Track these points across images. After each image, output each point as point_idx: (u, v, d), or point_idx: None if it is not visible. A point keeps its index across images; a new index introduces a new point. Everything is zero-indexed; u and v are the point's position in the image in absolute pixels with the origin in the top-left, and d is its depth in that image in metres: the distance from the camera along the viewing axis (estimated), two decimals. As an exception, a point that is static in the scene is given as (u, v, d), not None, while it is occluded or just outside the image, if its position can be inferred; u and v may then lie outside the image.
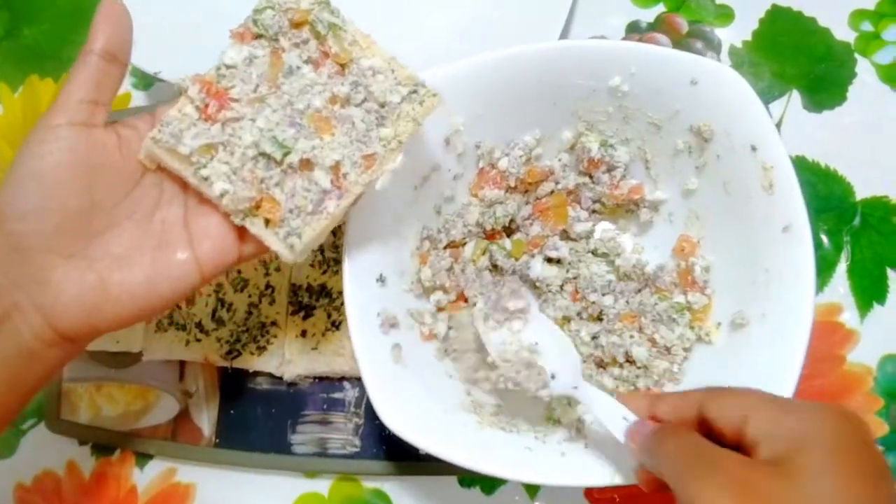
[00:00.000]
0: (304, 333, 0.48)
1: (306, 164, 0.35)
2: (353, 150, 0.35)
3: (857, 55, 0.51)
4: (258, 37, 0.36)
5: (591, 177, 0.45)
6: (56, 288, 0.31)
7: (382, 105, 0.36)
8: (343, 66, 0.36)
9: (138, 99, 0.58)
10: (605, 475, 0.36)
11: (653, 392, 0.40)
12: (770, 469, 0.25)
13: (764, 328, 0.38)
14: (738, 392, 0.30)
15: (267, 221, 0.34)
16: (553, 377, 0.37)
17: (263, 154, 0.34)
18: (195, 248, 0.34)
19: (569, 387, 0.37)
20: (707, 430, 0.29)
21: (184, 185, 0.35)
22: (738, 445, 0.28)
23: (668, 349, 0.41)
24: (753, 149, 0.39)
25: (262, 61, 0.35)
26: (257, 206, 0.34)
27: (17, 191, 0.31)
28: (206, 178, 0.34)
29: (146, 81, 0.58)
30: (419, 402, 0.38)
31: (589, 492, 0.45)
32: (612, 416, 0.34)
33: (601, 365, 0.43)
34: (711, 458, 0.27)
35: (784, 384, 0.35)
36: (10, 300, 0.31)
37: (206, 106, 0.34)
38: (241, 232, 0.35)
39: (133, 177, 0.35)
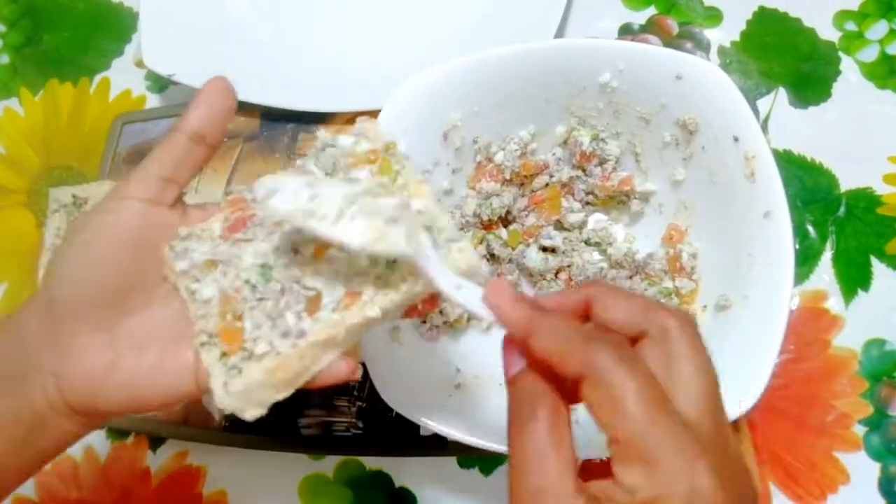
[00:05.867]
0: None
1: (282, 293, 0.30)
2: (339, 283, 0.30)
3: (841, 53, 0.53)
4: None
5: (583, 170, 0.48)
6: (72, 358, 0.30)
7: None
8: None
9: (153, 101, 0.61)
10: (594, 450, 0.38)
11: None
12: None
13: (747, 309, 0.39)
14: (625, 295, 0.28)
15: (225, 353, 0.30)
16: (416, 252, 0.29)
17: (248, 281, 0.31)
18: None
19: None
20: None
21: None
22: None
23: (656, 332, 0.43)
24: (735, 140, 0.41)
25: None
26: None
27: (68, 255, 0.31)
28: (193, 293, 0.31)
29: (161, 84, 0.61)
30: (417, 380, 0.40)
31: (582, 472, 0.47)
32: (447, 283, 0.28)
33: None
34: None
35: (765, 359, 0.37)
36: (35, 360, 0.31)
37: (231, 225, 0.32)
38: None
39: None
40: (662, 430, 0.24)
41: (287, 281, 0.30)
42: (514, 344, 0.28)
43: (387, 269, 0.30)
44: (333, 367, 0.30)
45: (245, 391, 0.28)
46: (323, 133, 0.33)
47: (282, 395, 0.29)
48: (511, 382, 0.27)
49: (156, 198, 0.31)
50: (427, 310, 0.33)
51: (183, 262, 0.31)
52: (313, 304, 0.30)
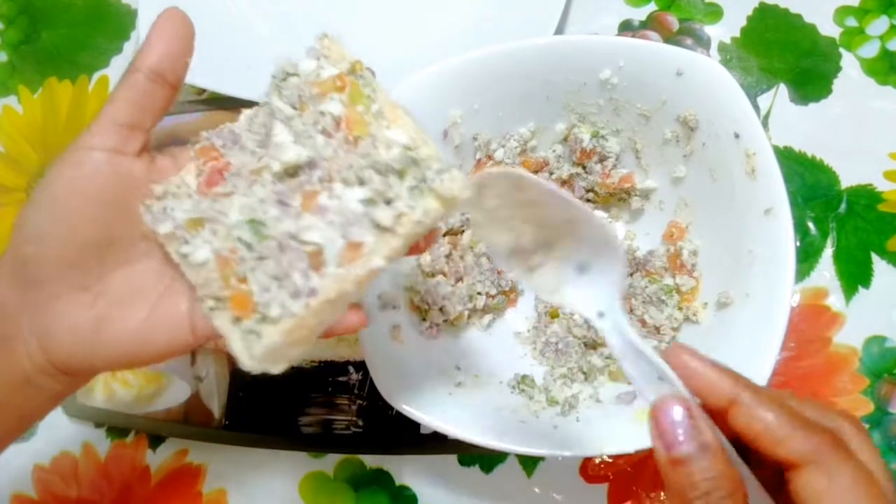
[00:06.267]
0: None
1: (281, 251, 0.29)
2: (336, 233, 0.28)
3: (841, 49, 0.53)
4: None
5: (584, 167, 0.47)
6: (53, 318, 0.29)
7: (387, 188, 0.28)
8: (357, 139, 0.29)
9: (152, 99, 0.61)
10: (595, 447, 0.38)
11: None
12: None
13: (747, 306, 0.39)
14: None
15: (238, 317, 0.29)
16: (601, 315, 0.30)
17: (241, 239, 0.29)
18: (196, 305, 0.30)
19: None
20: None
21: None
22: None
23: (657, 329, 0.43)
24: (736, 136, 0.40)
25: (270, 128, 0.31)
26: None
27: (33, 212, 0.29)
28: (185, 256, 0.30)
29: (159, 82, 0.61)
30: (417, 378, 0.40)
31: (584, 470, 0.47)
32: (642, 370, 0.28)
33: (592, 346, 0.45)
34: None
35: (766, 356, 0.36)
36: (14, 323, 0.30)
37: (207, 178, 0.31)
38: None
39: None
40: None
41: (283, 237, 0.29)
42: (670, 418, 0.25)
43: (381, 212, 0.28)
44: (345, 321, 0.30)
45: (268, 353, 0.28)
46: (282, 61, 0.31)
47: (304, 349, 0.30)
48: (679, 463, 0.24)
49: (119, 147, 0.29)
50: (428, 245, 0.32)
51: (166, 225, 0.30)
52: (315, 259, 0.28)
